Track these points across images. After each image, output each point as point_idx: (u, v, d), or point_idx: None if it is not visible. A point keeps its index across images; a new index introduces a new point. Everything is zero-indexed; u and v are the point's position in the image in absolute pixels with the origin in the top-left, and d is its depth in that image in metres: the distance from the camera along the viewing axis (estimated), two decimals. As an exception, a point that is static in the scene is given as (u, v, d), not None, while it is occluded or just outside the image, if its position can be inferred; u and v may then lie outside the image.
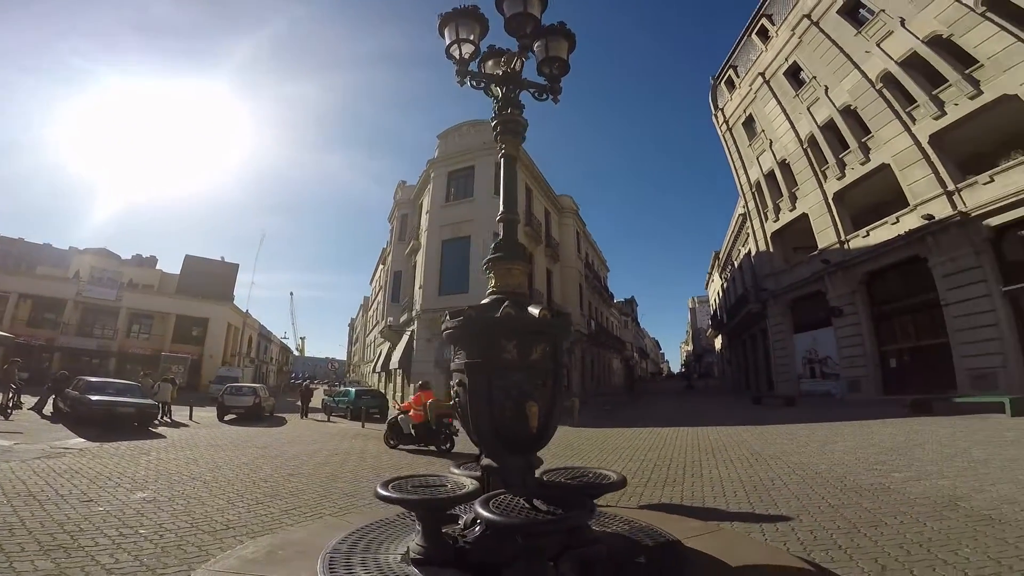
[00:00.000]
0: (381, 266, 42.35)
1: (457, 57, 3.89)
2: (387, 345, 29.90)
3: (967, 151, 15.29)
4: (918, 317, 16.36)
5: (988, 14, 13.48)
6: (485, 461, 3.14)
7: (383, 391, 24.21)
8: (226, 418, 16.56)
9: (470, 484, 2.96)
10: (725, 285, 35.48)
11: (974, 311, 13.69)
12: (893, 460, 6.86)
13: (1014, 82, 12.91)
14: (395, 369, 25.42)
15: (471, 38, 3.89)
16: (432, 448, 9.75)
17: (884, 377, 17.18)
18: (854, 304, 18.39)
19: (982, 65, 13.85)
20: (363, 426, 15.77)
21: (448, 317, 3.31)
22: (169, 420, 14.75)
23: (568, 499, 2.78)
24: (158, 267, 46.58)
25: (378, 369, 31.75)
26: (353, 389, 21.21)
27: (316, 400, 22.29)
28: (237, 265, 48.87)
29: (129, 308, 35.09)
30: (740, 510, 4.91)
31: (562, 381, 3.35)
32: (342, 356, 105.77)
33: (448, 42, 3.92)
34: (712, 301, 45.73)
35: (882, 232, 17.14)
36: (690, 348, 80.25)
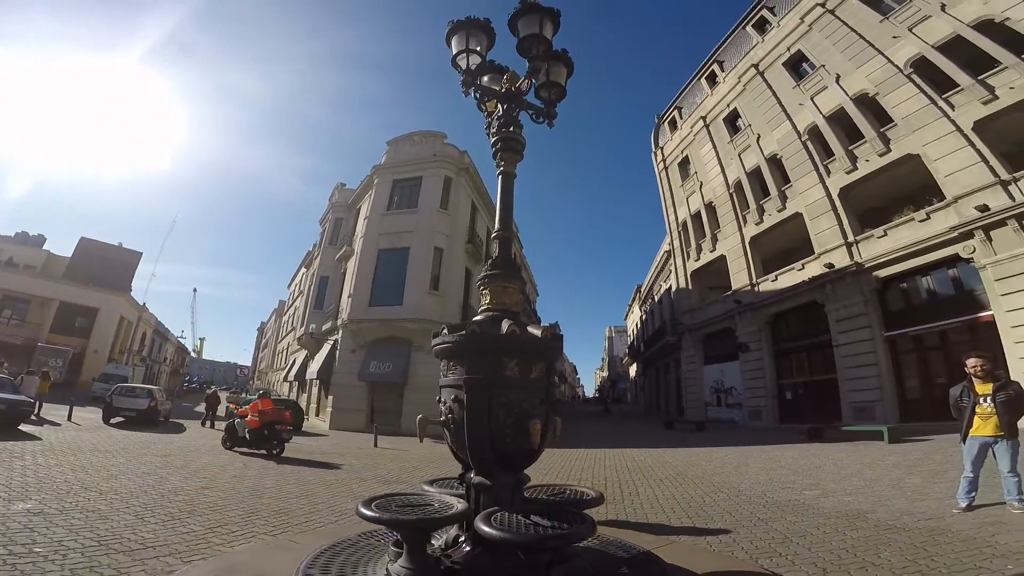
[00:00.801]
0: (304, 269, 40.09)
1: (463, 67, 3.92)
2: (303, 353, 28.20)
3: (868, 205, 17.22)
4: (812, 355, 18.35)
5: (913, 76, 15.09)
6: (476, 479, 3.09)
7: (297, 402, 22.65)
8: (112, 420, 14.88)
9: (459, 504, 2.92)
10: (644, 317, 37.66)
11: (859, 352, 15.61)
12: (801, 480, 7.60)
13: (919, 142, 14.60)
14: (312, 379, 23.97)
15: (479, 49, 3.93)
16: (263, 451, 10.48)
17: (781, 407, 18.98)
18: (759, 341, 20.23)
19: (896, 124, 15.49)
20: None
21: (446, 331, 3.26)
22: (35, 418, 12.88)
23: (557, 514, 2.82)
24: (46, 247, 40.04)
25: (291, 378, 29.78)
26: None
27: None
28: (140, 253, 43.56)
29: (1, 289, 30.31)
30: (683, 525, 5.19)
31: (554, 400, 3.38)
32: (244, 361, 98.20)
33: (456, 51, 3.94)
34: (630, 331, 48.24)
35: (788, 277, 19.09)
36: (605, 374, 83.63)
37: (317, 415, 23.36)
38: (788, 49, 20.18)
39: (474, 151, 26.08)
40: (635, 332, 43.43)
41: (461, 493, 3.34)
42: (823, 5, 18.51)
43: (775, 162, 20.35)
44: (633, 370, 44.11)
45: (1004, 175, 12.40)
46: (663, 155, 29.13)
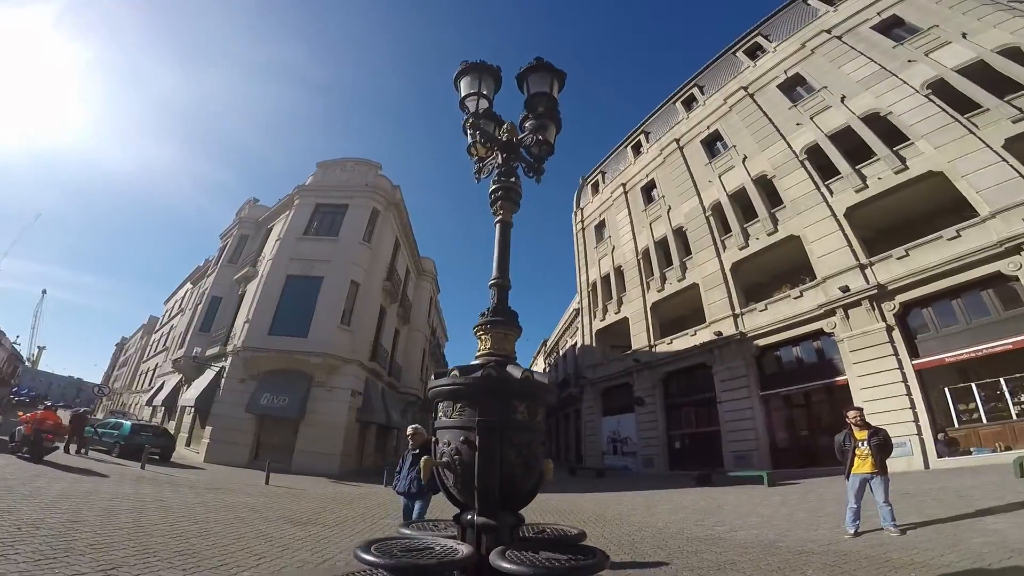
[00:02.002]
0: (191, 285, 35.90)
1: (472, 109, 4.13)
2: (176, 377, 24.86)
3: (754, 280, 19.62)
4: (699, 409, 20.17)
5: (805, 162, 17.35)
6: (480, 519, 3.07)
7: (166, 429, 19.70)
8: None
9: (463, 547, 2.90)
10: (548, 369, 38.84)
11: (739, 408, 17.57)
12: (708, 518, 8.28)
13: (801, 224, 16.83)
14: (187, 407, 21.06)
15: (486, 94, 4.16)
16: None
17: (671, 455, 20.43)
18: (654, 396, 21.83)
19: (785, 207, 17.66)
20: (143, 467, 12.58)
21: (456, 373, 3.29)
22: None
23: (562, 549, 2.97)
24: None
25: (157, 403, 25.93)
26: (128, 422, 17.57)
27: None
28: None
29: None
30: (624, 560, 5.42)
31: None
32: (93, 378, 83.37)
33: (465, 93, 4.16)
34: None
35: (682, 341, 21.04)
36: None
37: (188, 445, 20.47)
38: (708, 127, 22.88)
39: (405, 187, 25.96)
40: (538, 382, 44.43)
41: (449, 535, 3.29)
42: (745, 88, 21.26)
43: (681, 234, 22.57)
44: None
45: (863, 259, 15.04)
46: (583, 216, 30.95)
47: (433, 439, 3.41)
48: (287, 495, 10.58)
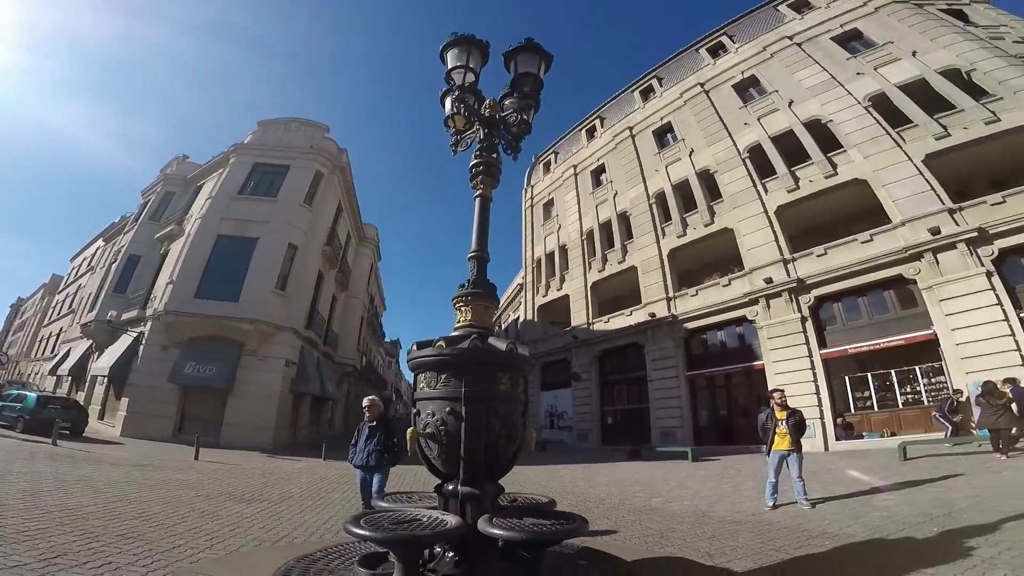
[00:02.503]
0: (103, 242, 32.45)
1: (459, 82, 4.10)
2: (85, 343, 22.70)
3: (687, 267, 20.80)
4: (631, 387, 21.33)
5: (747, 160, 18.52)
6: (465, 489, 3.17)
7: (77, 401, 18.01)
8: None
9: (450, 517, 2.97)
10: (489, 341, 39.25)
11: (667, 386, 18.77)
12: (644, 490, 8.93)
13: (736, 218, 18.11)
14: (100, 376, 19.36)
15: (473, 67, 4.14)
16: None
17: (604, 430, 21.55)
18: (590, 373, 22.80)
19: (723, 200, 18.86)
20: (54, 443, 11.58)
21: (442, 344, 3.33)
22: None
23: (543, 516, 3.17)
24: None
25: (62, 372, 23.63)
26: (32, 394, 16.20)
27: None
28: None
29: None
30: (575, 528, 5.75)
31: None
32: None
33: (452, 65, 4.12)
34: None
35: (618, 321, 22.05)
36: None
37: (101, 419, 18.94)
38: (661, 119, 23.61)
39: (354, 152, 24.92)
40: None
41: (429, 506, 3.38)
42: (702, 85, 22.10)
43: (624, 218, 23.42)
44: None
45: (787, 255, 16.43)
46: (532, 194, 31.31)
47: (414, 411, 3.44)
48: (222, 471, 10.15)
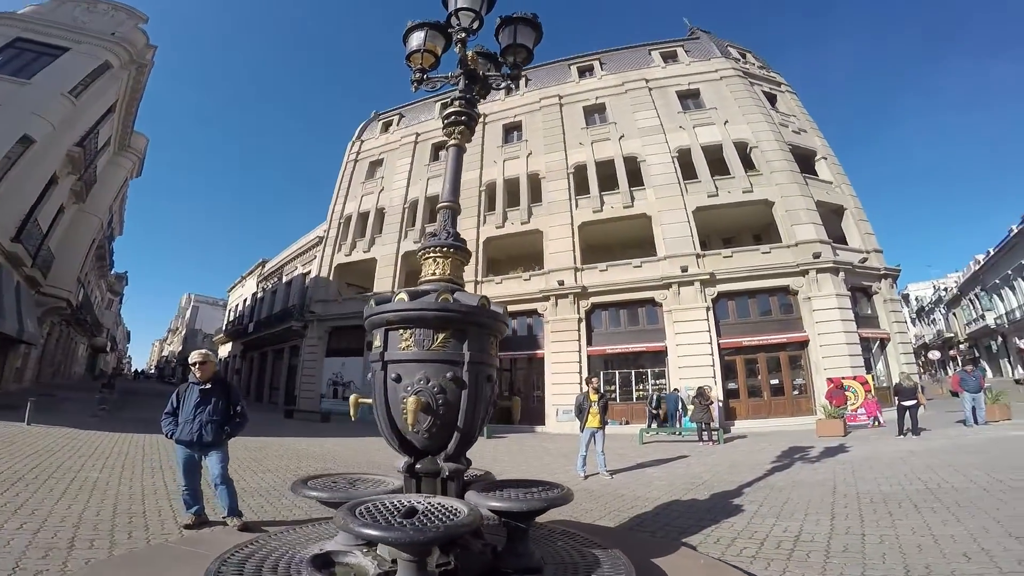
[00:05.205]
0: None
1: (418, 66, 3.93)
2: None
3: (497, 257, 22.39)
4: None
5: (571, 175, 20.90)
6: (451, 465, 2.95)
7: None
8: None
9: (459, 505, 2.49)
10: (262, 295, 34.39)
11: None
12: (482, 464, 9.37)
13: (548, 223, 20.41)
14: None
15: (435, 51, 3.94)
16: None
17: (398, 403, 21.53)
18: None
19: (542, 204, 21.09)
20: None
21: (435, 297, 3.08)
22: None
23: (517, 486, 3.16)
24: None
25: None
26: None
27: None
28: None
29: None
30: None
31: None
32: None
33: (409, 51, 3.94)
34: (233, 306, 42.50)
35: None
36: (178, 349, 68.80)
37: None
38: (514, 116, 24.55)
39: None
40: (242, 309, 38.70)
41: (391, 489, 3.07)
42: (560, 97, 23.79)
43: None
44: (226, 349, 38.66)
45: (579, 264, 19.21)
46: (360, 148, 29.03)
47: (382, 374, 3.04)
48: None
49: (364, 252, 25.20)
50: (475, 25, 3.87)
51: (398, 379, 2.98)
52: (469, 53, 4.06)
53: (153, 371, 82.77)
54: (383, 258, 24.24)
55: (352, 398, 3.03)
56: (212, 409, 4.53)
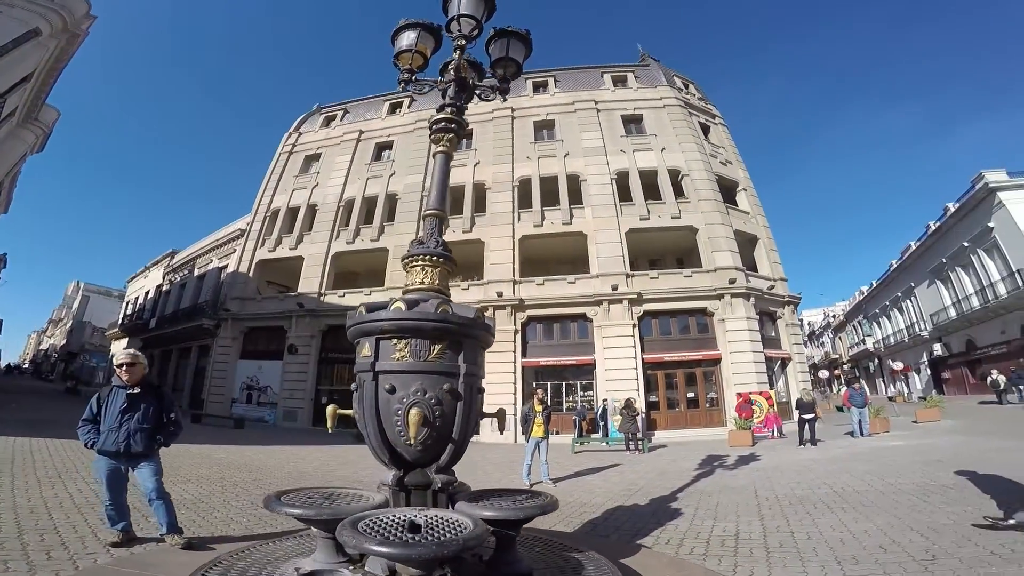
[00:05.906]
0: None
1: (406, 67, 3.95)
2: None
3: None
4: (352, 368, 20.98)
5: (515, 188, 21.25)
6: (443, 477, 2.95)
7: None
8: None
9: (463, 518, 2.49)
10: (168, 288, 31.19)
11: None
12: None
13: (490, 234, 20.56)
14: None
15: (425, 52, 4.00)
16: None
17: (317, 411, 20.27)
18: (310, 347, 21.30)
19: (485, 214, 21.18)
20: None
21: (431, 306, 2.99)
22: None
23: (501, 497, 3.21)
24: None
25: None
26: None
27: None
28: None
29: None
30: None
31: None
32: None
33: (399, 50, 3.95)
34: (132, 298, 38.06)
35: (355, 298, 21.24)
36: (61, 342, 59.83)
37: None
38: (467, 124, 24.14)
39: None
40: (143, 302, 34.75)
41: (375, 504, 2.98)
42: (513, 110, 23.83)
43: (392, 200, 23.09)
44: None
45: (517, 277, 19.54)
46: (296, 140, 27.59)
47: (372, 384, 2.94)
48: None
49: (290, 249, 23.84)
50: (475, 32, 3.93)
51: (392, 390, 2.90)
52: (462, 60, 4.11)
53: (27, 365, 73.47)
54: (311, 257, 23.08)
55: (330, 409, 2.93)
56: (142, 416, 4.08)
